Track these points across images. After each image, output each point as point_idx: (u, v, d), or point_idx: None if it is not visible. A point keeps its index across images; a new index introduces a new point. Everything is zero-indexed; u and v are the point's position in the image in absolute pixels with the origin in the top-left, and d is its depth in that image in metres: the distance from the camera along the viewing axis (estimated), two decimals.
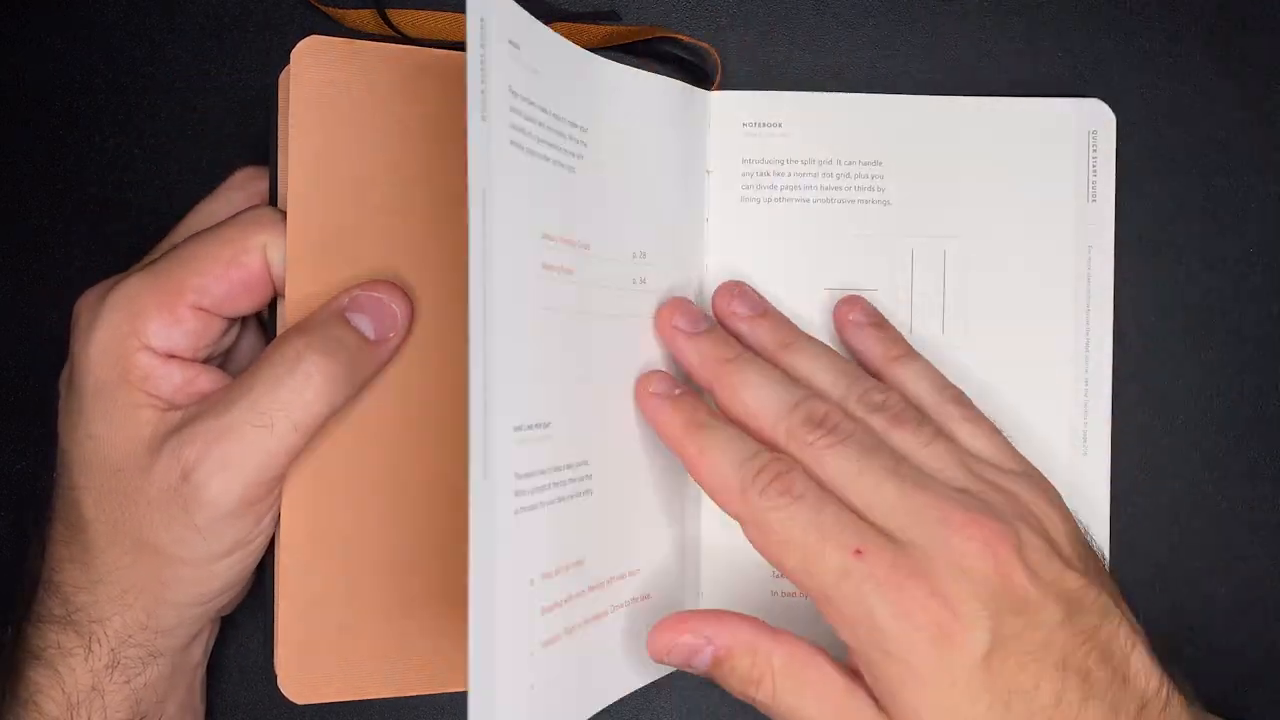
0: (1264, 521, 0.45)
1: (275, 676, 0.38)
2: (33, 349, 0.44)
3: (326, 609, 0.38)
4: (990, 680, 0.33)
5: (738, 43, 0.45)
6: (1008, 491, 0.36)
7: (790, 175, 0.44)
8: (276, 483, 0.37)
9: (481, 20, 0.32)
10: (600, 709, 0.38)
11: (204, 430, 0.35)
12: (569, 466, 0.37)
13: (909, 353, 0.42)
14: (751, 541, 0.36)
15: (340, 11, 0.44)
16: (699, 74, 0.45)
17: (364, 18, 0.44)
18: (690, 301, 0.41)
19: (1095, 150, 0.44)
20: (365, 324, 0.37)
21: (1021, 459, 0.39)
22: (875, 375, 0.41)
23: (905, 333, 0.44)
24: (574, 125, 0.37)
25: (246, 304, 0.37)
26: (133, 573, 0.36)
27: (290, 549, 0.38)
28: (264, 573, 0.40)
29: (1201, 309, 0.46)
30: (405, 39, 0.44)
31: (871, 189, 0.44)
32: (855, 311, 0.43)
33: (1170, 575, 0.45)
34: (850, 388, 0.39)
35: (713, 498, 0.37)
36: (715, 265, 0.44)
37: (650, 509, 0.41)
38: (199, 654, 0.41)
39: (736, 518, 0.36)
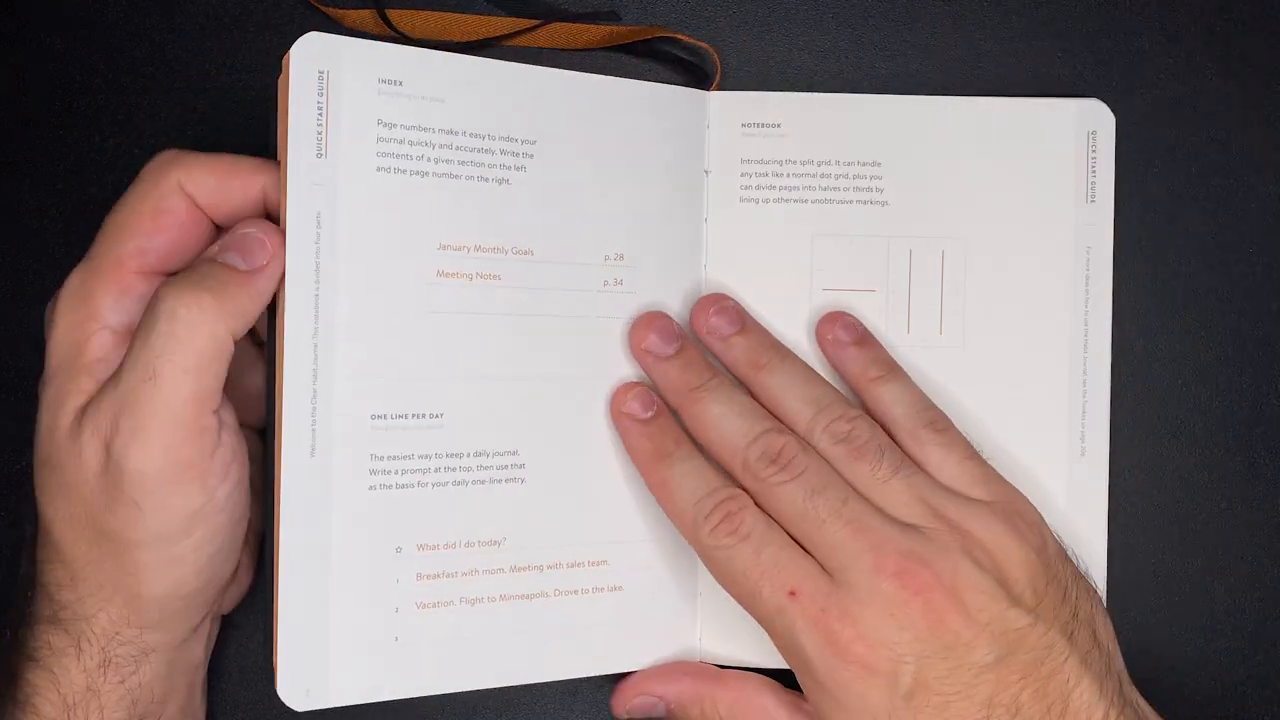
0: (1264, 521, 0.45)
1: (275, 678, 0.38)
2: (31, 349, 0.44)
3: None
4: (913, 716, 0.35)
5: (737, 43, 0.45)
6: (962, 528, 0.37)
7: (789, 175, 0.44)
8: (201, 439, 0.35)
9: (320, 73, 0.37)
10: (536, 680, 0.41)
11: (107, 401, 0.35)
12: (479, 454, 0.40)
13: (889, 372, 0.42)
14: (707, 569, 0.39)
15: (340, 11, 0.44)
16: (699, 74, 0.45)
17: (364, 18, 0.44)
18: (663, 317, 0.42)
19: (1094, 150, 0.44)
20: (233, 257, 0.36)
21: (993, 483, 0.40)
22: (856, 393, 0.42)
23: (903, 333, 0.44)
24: (510, 140, 0.40)
25: (190, 247, 0.38)
26: (101, 567, 0.36)
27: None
28: (265, 574, 0.40)
29: (1201, 309, 0.45)
30: (405, 39, 0.44)
31: (870, 189, 0.44)
32: (837, 328, 0.43)
33: (1170, 575, 0.45)
34: (817, 416, 0.40)
35: (675, 526, 0.40)
36: (714, 266, 0.44)
37: (623, 505, 0.43)
38: (199, 653, 0.40)
39: (692, 547, 0.39)
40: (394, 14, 0.44)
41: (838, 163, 0.44)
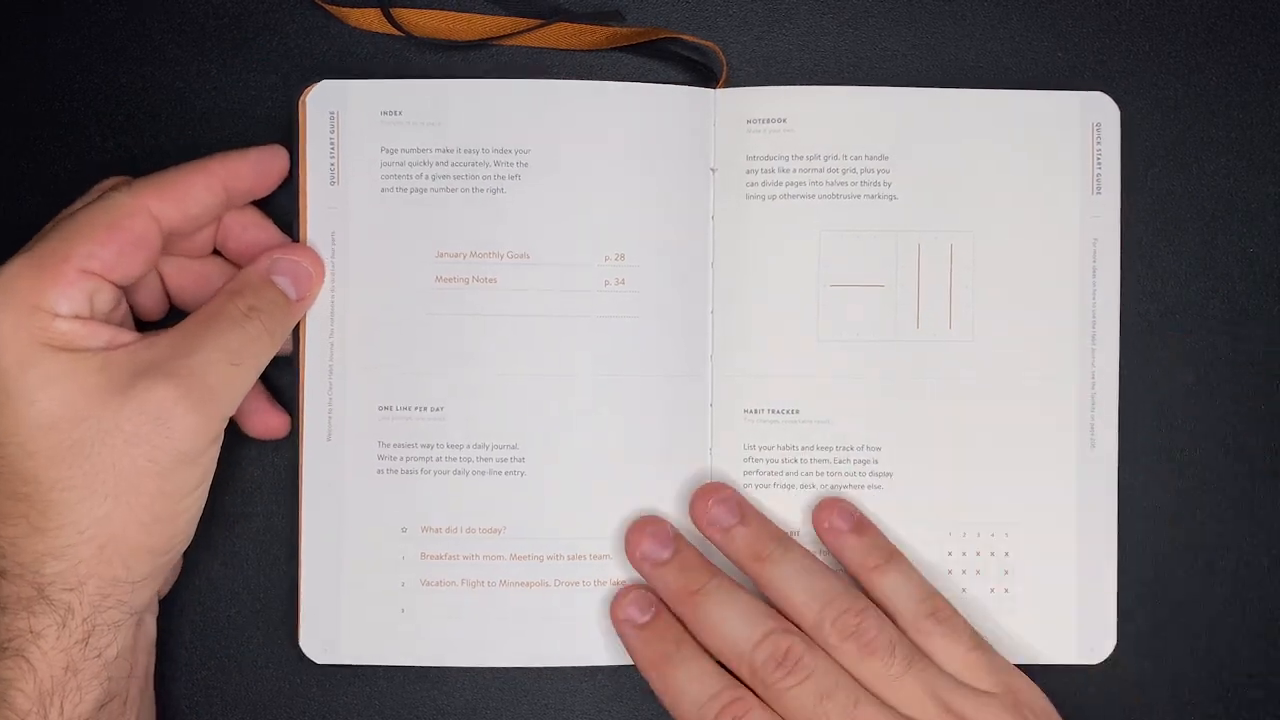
0: (1264, 521, 0.45)
1: (298, 634, 0.43)
2: None
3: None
4: None
5: (739, 42, 0.45)
6: None
7: (795, 171, 0.44)
8: (226, 420, 0.39)
9: (331, 113, 0.43)
10: (534, 664, 0.44)
11: (180, 369, 0.38)
12: (478, 446, 0.44)
13: (889, 560, 0.42)
14: None
15: (344, 10, 0.44)
16: (704, 73, 0.45)
17: (369, 17, 0.44)
18: (656, 521, 0.43)
19: (1099, 143, 0.44)
20: (288, 285, 0.42)
21: (999, 672, 0.41)
22: (856, 581, 0.42)
23: (912, 328, 0.44)
24: (503, 151, 0.44)
25: (139, 259, 0.39)
26: (112, 522, 0.37)
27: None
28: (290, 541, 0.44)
29: (1202, 308, 0.46)
30: (410, 38, 0.44)
31: (878, 184, 0.44)
32: (834, 516, 0.43)
33: (1170, 574, 0.45)
34: (824, 610, 0.40)
35: None
36: (721, 264, 0.44)
37: (622, 502, 0.44)
38: (151, 630, 0.41)
39: None
40: (398, 13, 0.44)
41: (844, 157, 0.44)
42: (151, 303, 0.43)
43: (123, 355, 0.38)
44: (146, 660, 0.41)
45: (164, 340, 0.38)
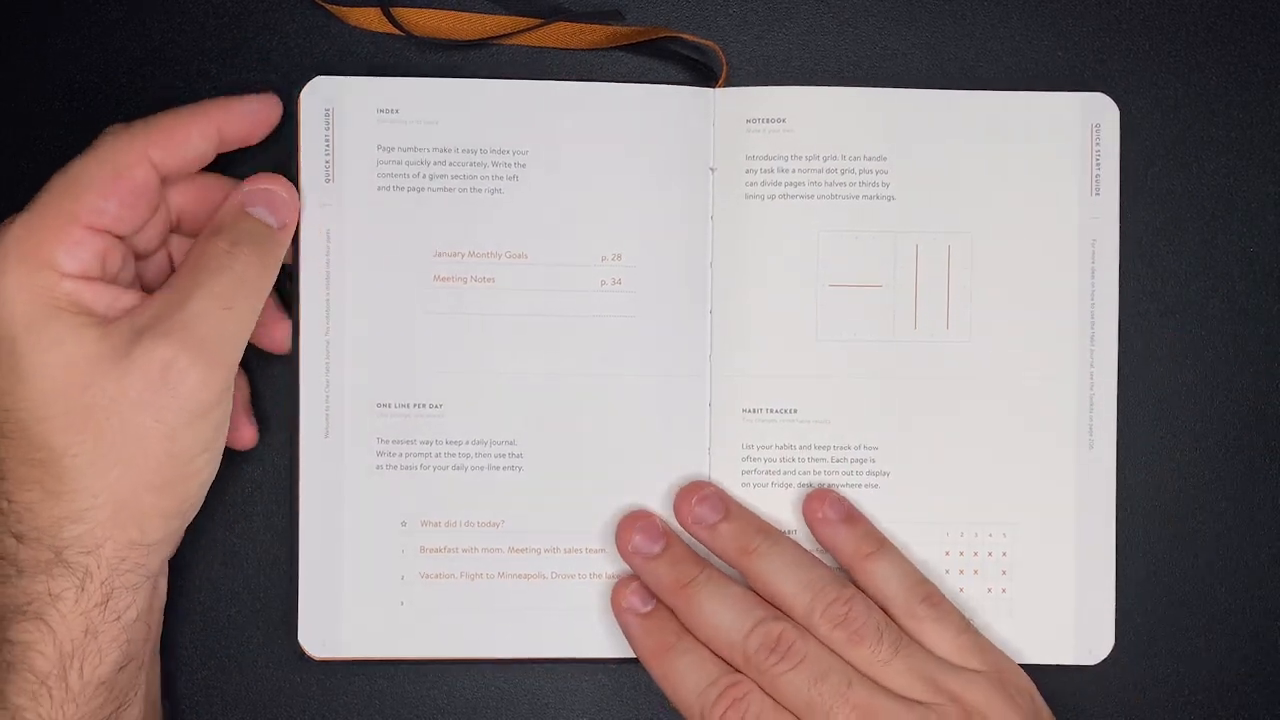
0: (1264, 521, 0.45)
1: (297, 631, 0.43)
2: None
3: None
4: None
5: (739, 42, 0.45)
6: (964, 700, 0.39)
7: (794, 171, 0.44)
8: (233, 369, 0.39)
9: (326, 110, 0.43)
10: (533, 656, 0.44)
11: (174, 325, 0.37)
12: (477, 443, 0.44)
13: (879, 548, 0.43)
14: None
15: (344, 10, 0.44)
16: (704, 72, 0.45)
17: (368, 16, 0.44)
18: (645, 515, 0.43)
19: (1099, 143, 0.44)
20: (265, 214, 0.41)
21: (987, 652, 0.41)
22: (848, 571, 0.43)
23: (910, 328, 0.44)
24: (501, 152, 0.44)
25: (141, 208, 0.39)
26: (124, 485, 0.37)
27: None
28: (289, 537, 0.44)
29: (1202, 307, 0.46)
30: (410, 37, 0.44)
31: (876, 184, 0.44)
32: (825, 507, 0.43)
33: (1170, 573, 0.45)
34: (814, 601, 0.41)
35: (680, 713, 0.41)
36: (719, 264, 0.44)
37: (618, 498, 0.44)
38: (163, 593, 0.41)
39: None
40: (398, 12, 0.44)
41: (843, 157, 0.44)
42: (158, 272, 0.42)
43: (123, 319, 0.38)
44: (157, 624, 0.41)
45: (158, 299, 0.38)
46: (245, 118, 0.41)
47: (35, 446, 0.37)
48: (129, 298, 0.39)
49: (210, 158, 0.41)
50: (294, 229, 0.42)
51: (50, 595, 0.36)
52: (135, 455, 0.37)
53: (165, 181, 0.40)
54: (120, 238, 0.39)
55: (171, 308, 0.38)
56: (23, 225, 0.37)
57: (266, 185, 0.41)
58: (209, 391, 0.38)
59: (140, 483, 0.37)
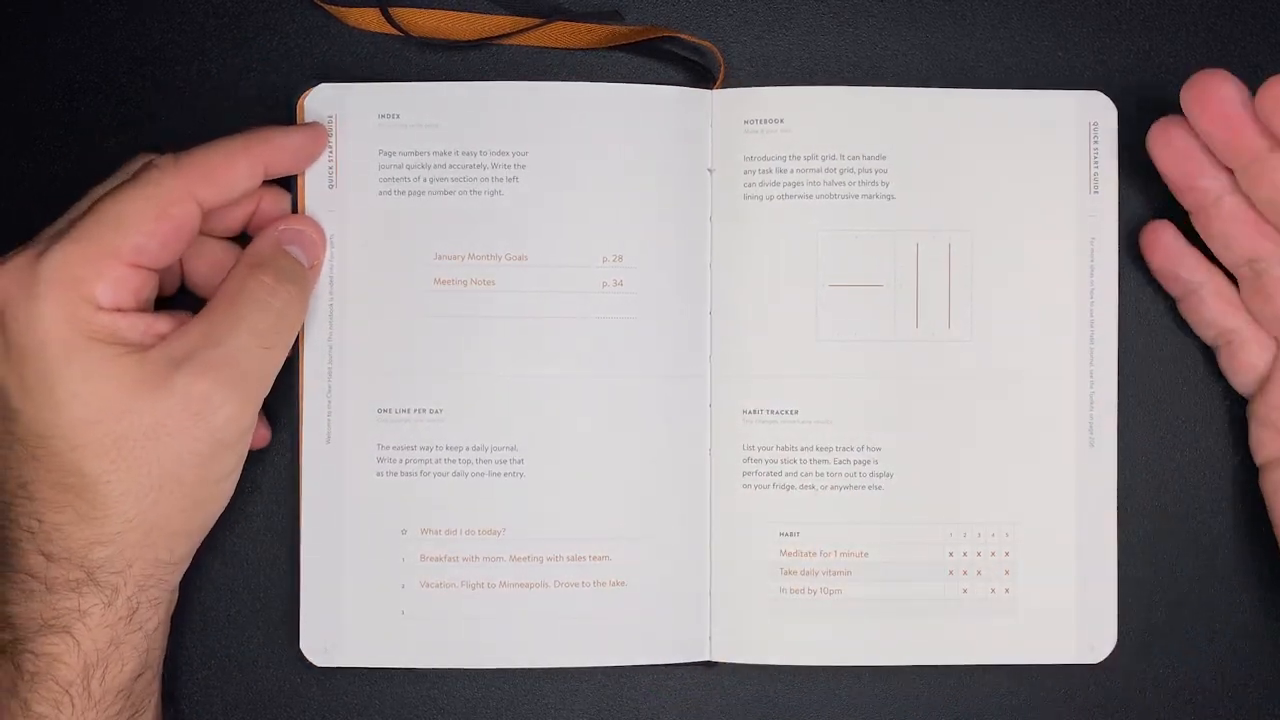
0: (1264, 521, 0.45)
1: (298, 636, 0.43)
2: None
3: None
4: None
5: (739, 42, 0.46)
6: None
7: (793, 172, 0.44)
8: (261, 402, 0.40)
9: (329, 117, 0.44)
10: (535, 665, 0.44)
11: (214, 360, 0.38)
12: (478, 448, 0.44)
13: None
14: None
15: (344, 10, 0.44)
16: (702, 73, 0.45)
17: (368, 17, 0.44)
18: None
19: (1097, 141, 0.44)
20: (300, 254, 0.42)
21: None
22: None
23: (911, 327, 0.44)
24: (501, 154, 0.44)
25: (181, 244, 0.39)
26: (156, 510, 0.38)
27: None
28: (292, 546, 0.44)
29: None
30: (410, 38, 0.44)
31: (875, 184, 0.44)
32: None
33: (1170, 573, 0.45)
34: None
35: None
36: (719, 264, 0.44)
37: (622, 504, 0.44)
38: (173, 603, 0.41)
39: None
40: (397, 12, 0.44)
41: (842, 157, 0.44)
42: (170, 282, 0.43)
43: (158, 348, 0.38)
44: (166, 638, 0.41)
45: (195, 329, 0.38)
46: (291, 152, 0.42)
47: (68, 472, 0.37)
48: (162, 324, 0.39)
49: (254, 191, 0.41)
50: (320, 272, 0.43)
51: (79, 611, 0.37)
52: (168, 482, 0.38)
53: (206, 216, 0.40)
54: (155, 270, 0.39)
55: (210, 341, 0.38)
56: (62, 254, 0.37)
57: (299, 226, 0.42)
58: (240, 424, 0.39)
59: (172, 506, 0.38)
